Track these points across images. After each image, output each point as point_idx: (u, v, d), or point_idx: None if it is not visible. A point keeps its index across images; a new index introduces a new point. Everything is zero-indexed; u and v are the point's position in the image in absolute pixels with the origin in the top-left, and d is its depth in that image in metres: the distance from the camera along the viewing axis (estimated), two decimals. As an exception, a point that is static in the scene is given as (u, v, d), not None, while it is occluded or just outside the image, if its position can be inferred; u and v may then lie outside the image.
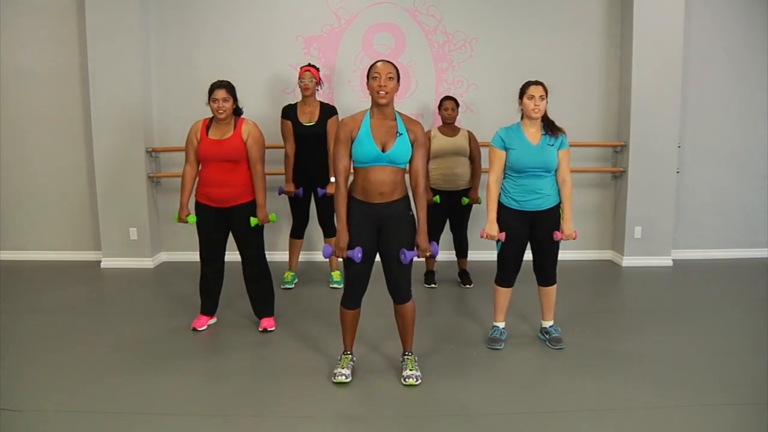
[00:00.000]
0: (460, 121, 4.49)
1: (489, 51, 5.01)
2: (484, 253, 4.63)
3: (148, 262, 5.02)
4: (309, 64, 4.22)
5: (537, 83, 3.16)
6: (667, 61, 4.80)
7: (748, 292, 4.31)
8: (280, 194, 4.28)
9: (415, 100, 5.04)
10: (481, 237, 3.19)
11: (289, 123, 4.15)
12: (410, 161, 2.78)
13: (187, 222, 3.49)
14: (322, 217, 4.32)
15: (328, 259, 4.54)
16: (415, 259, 2.78)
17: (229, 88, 3.35)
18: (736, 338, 3.43)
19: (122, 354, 3.24)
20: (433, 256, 2.91)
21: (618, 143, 5.03)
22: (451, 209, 4.31)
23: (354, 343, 3.00)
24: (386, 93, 2.68)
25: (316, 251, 5.03)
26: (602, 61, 5.04)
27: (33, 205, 5.20)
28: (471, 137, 4.30)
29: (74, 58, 4.97)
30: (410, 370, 2.88)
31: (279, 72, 5.00)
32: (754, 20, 5.00)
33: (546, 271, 3.28)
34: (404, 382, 2.85)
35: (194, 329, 3.54)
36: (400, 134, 2.71)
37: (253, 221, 3.41)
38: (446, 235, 4.46)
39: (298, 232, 4.38)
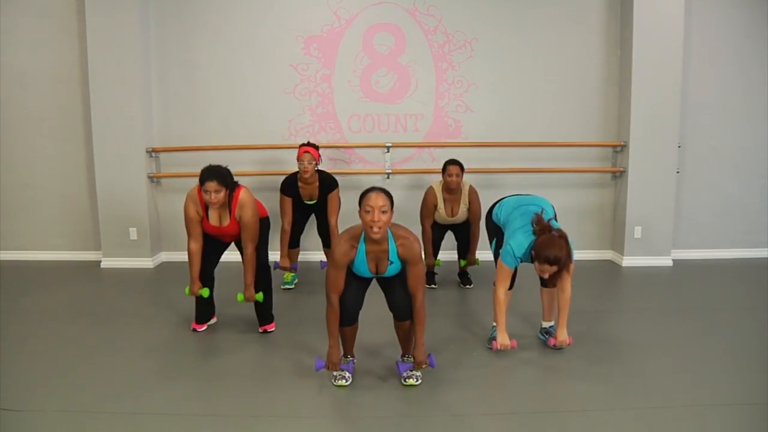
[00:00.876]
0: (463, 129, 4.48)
1: (489, 51, 5.01)
2: (483, 253, 4.63)
3: (148, 262, 5.02)
4: (309, 144, 4.12)
5: (552, 263, 2.84)
6: (667, 61, 4.80)
7: (748, 292, 4.31)
8: (275, 269, 4.19)
9: (415, 100, 5.04)
10: (494, 349, 3.14)
11: (290, 200, 4.15)
12: (407, 274, 2.78)
13: (201, 296, 3.44)
14: (321, 230, 4.34)
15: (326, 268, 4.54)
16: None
17: (221, 178, 3.17)
18: (736, 338, 3.43)
19: (122, 354, 3.24)
20: (431, 367, 2.86)
21: (618, 143, 5.03)
22: (453, 229, 4.36)
23: (354, 346, 3.02)
24: (379, 228, 2.61)
25: (316, 251, 5.03)
26: (602, 61, 5.04)
27: (33, 205, 5.20)
28: (472, 200, 4.23)
29: (74, 59, 4.97)
30: (410, 370, 2.88)
31: (279, 72, 4.99)
32: (754, 20, 4.99)
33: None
34: (404, 383, 2.85)
35: (194, 329, 3.54)
36: (391, 262, 2.76)
37: (240, 298, 3.41)
38: (448, 234, 4.46)
39: (293, 242, 4.36)
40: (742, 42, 5.02)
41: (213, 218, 3.32)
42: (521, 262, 3.07)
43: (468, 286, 4.40)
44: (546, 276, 2.97)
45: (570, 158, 5.08)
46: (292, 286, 4.40)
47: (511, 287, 3.29)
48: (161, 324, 3.67)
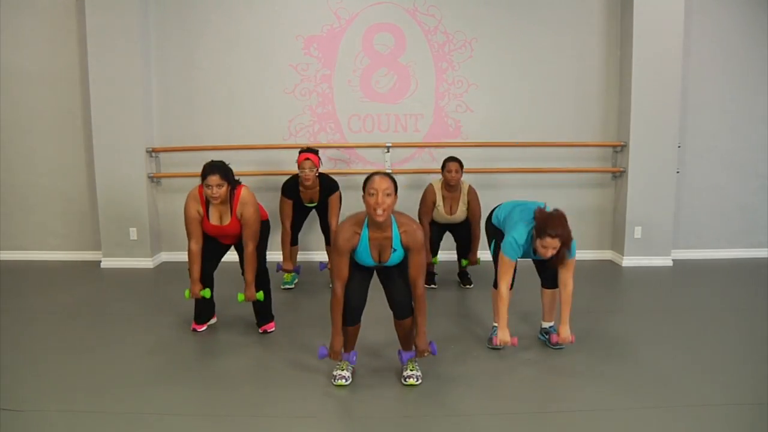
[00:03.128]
0: (463, 127, 4.48)
1: (489, 51, 5.01)
2: (483, 253, 4.63)
3: (148, 262, 5.02)
4: (309, 150, 4.10)
5: (554, 236, 2.85)
6: (667, 61, 4.80)
7: (748, 292, 4.31)
8: (277, 271, 4.24)
9: (415, 100, 5.04)
10: (495, 344, 3.15)
11: (291, 203, 4.16)
12: (408, 262, 2.78)
13: (202, 297, 3.42)
14: (323, 226, 4.35)
15: (326, 270, 4.56)
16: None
17: (223, 172, 3.18)
18: (736, 338, 3.43)
19: (122, 354, 3.24)
20: (433, 354, 2.86)
21: (618, 143, 5.03)
22: (452, 229, 4.35)
23: (355, 347, 3.01)
24: (383, 211, 2.61)
25: (316, 251, 5.03)
26: (602, 61, 5.04)
27: (33, 205, 5.20)
28: (471, 199, 4.24)
29: (74, 58, 4.97)
30: (410, 370, 2.88)
31: (279, 72, 5.00)
32: (753, 20, 5.00)
33: (549, 274, 3.28)
34: (404, 383, 2.85)
35: (194, 330, 3.54)
36: (395, 250, 2.75)
37: (240, 297, 3.41)
38: (446, 234, 4.46)
39: (292, 240, 4.37)
40: (742, 42, 5.02)
41: (214, 217, 3.31)
42: (523, 252, 3.06)
43: (468, 286, 4.40)
44: (549, 254, 2.93)
45: (570, 158, 5.08)
46: (292, 286, 4.40)
47: (511, 287, 3.29)
48: (161, 324, 3.67)
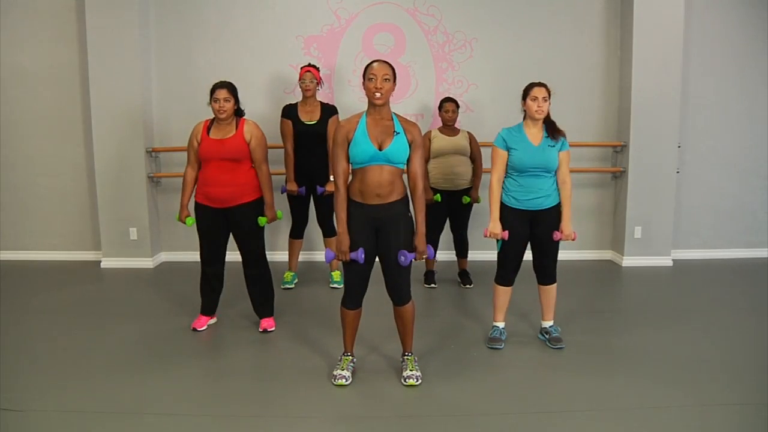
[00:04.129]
0: (460, 122, 4.50)
1: (489, 51, 5.01)
2: (484, 253, 4.64)
3: (148, 262, 5.02)
4: (309, 65, 4.21)
5: (540, 85, 3.18)
6: (667, 61, 4.80)
7: (747, 292, 4.31)
8: (282, 193, 4.27)
9: (415, 100, 5.04)
10: (485, 236, 3.20)
11: (290, 122, 4.15)
12: (408, 162, 2.78)
13: (185, 223, 3.50)
14: (321, 217, 4.32)
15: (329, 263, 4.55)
16: (414, 261, 2.78)
17: (231, 88, 3.35)
18: (736, 338, 3.43)
19: (122, 354, 3.24)
20: (429, 258, 2.90)
21: (618, 143, 5.03)
22: (451, 209, 4.31)
23: (354, 344, 3.00)
24: (382, 94, 2.68)
25: (315, 251, 5.03)
26: (602, 61, 5.04)
27: (33, 205, 5.20)
28: (471, 138, 4.31)
29: (74, 58, 4.97)
30: (410, 370, 2.88)
31: (279, 72, 5.00)
32: (753, 20, 5.00)
33: (546, 269, 3.29)
34: (404, 383, 2.85)
35: (194, 329, 3.55)
36: (398, 133, 2.71)
37: (262, 221, 3.43)
38: (446, 235, 4.47)
39: (297, 232, 4.38)
40: (742, 42, 5.02)
41: (216, 133, 3.35)
42: (512, 142, 3.16)
43: (468, 286, 4.40)
44: (542, 107, 3.13)
45: (570, 158, 5.06)
46: (292, 286, 4.40)
47: (511, 284, 3.29)
48: (161, 324, 3.67)
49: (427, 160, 4.23)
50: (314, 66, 4.21)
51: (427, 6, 4.96)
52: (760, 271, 4.81)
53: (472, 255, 4.55)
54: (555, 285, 3.32)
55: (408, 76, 5.02)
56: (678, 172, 5.01)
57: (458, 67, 5.03)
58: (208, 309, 3.61)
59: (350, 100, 4.98)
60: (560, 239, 3.21)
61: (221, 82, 3.37)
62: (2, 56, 5.01)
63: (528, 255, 3.28)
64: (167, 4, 4.95)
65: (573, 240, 3.24)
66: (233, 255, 3.58)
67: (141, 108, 4.84)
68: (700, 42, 4.99)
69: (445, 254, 4.72)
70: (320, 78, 4.23)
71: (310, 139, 4.16)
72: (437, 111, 4.39)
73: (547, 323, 3.38)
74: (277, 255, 4.81)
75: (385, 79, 2.68)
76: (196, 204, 3.45)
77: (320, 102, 4.22)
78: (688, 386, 2.84)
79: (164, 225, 5.17)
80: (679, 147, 4.98)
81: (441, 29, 4.99)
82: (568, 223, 3.21)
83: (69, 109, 5.05)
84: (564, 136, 3.21)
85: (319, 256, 4.95)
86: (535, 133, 3.17)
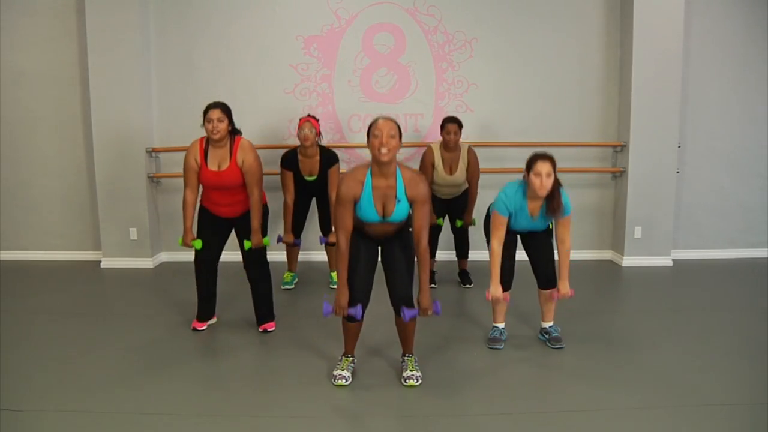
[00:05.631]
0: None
1: (489, 51, 5.01)
2: (484, 253, 4.62)
3: (148, 262, 5.02)
4: (309, 116, 4.14)
5: (545, 158, 3.00)
6: (667, 61, 4.80)
7: (747, 292, 4.31)
8: (278, 243, 4.26)
9: (415, 100, 5.04)
10: (487, 299, 3.19)
11: (291, 174, 4.13)
12: (412, 215, 2.78)
13: (192, 246, 3.43)
14: (322, 220, 4.34)
15: (327, 261, 4.56)
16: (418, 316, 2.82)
17: (224, 108, 3.26)
18: (736, 338, 3.43)
19: (122, 354, 3.24)
20: (436, 314, 2.85)
21: (618, 143, 5.03)
22: (450, 209, 4.31)
23: (355, 346, 3.01)
24: (388, 151, 2.62)
25: (315, 251, 5.03)
26: (602, 61, 5.04)
27: (33, 205, 5.20)
28: (471, 157, 4.23)
29: (74, 59, 4.97)
30: (410, 370, 2.88)
31: (279, 72, 4.99)
32: (754, 20, 4.99)
33: (545, 275, 3.29)
34: (404, 383, 2.85)
35: (194, 329, 3.55)
36: (399, 201, 2.72)
37: (247, 245, 3.41)
38: (446, 234, 4.46)
39: (294, 233, 4.36)
40: (742, 42, 5.01)
41: (212, 163, 3.30)
42: (513, 209, 3.08)
43: (468, 286, 4.41)
44: (545, 184, 2.96)
45: (570, 158, 5.07)
46: (292, 287, 4.40)
47: (508, 289, 3.28)
48: (161, 324, 3.67)
49: (429, 182, 4.20)
50: (314, 117, 4.14)
51: (427, 6, 4.96)
52: (760, 271, 4.81)
53: (472, 255, 4.55)
54: (555, 289, 3.31)
55: (408, 76, 5.02)
56: (678, 172, 5.01)
57: (458, 67, 5.03)
58: (205, 315, 3.58)
59: (350, 100, 4.98)
60: (557, 298, 3.22)
61: (214, 102, 3.27)
62: (2, 56, 5.01)
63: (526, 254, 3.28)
64: (167, 4, 4.95)
65: (571, 297, 3.20)
66: (234, 255, 3.58)
67: (141, 108, 4.84)
68: (700, 42, 4.98)
69: (445, 254, 4.72)
70: (319, 129, 4.15)
71: (310, 194, 4.26)
72: (439, 120, 4.33)
73: (547, 324, 3.38)
74: (277, 255, 4.80)
75: (391, 137, 2.64)
76: (201, 207, 3.46)
77: (319, 148, 4.13)
78: (687, 386, 2.84)
79: (164, 225, 5.17)
80: (679, 147, 4.98)
81: (441, 29, 4.99)
82: (565, 282, 3.18)
83: (69, 109, 5.05)
84: (564, 208, 3.08)
85: (319, 256, 4.95)
86: (535, 206, 3.12)
